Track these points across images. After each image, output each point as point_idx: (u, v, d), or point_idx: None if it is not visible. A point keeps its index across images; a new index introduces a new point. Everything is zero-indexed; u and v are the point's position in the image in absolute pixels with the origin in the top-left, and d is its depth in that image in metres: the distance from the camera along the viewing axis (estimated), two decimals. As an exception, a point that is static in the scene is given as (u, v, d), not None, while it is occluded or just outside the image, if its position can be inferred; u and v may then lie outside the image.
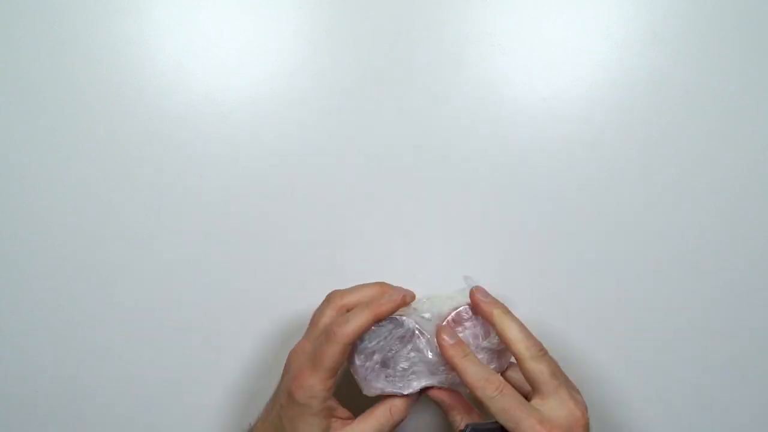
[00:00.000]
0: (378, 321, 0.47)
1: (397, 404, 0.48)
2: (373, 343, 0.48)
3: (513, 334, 0.47)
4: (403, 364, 0.48)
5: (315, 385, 0.46)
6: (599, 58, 0.57)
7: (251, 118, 0.57)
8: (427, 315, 0.49)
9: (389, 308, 0.47)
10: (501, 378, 0.46)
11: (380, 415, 0.48)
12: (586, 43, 0.57)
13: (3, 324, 0.58)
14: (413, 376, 0.49)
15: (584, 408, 0.46)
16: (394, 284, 0.51)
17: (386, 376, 0.49)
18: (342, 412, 0.48)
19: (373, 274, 0.58)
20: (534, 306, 0.59)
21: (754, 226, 0.58)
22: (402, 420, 0.48)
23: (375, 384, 0.49)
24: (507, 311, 0.49)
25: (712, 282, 0.58)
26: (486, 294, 0.49)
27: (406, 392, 0.49)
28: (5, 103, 0.57)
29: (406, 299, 0.48)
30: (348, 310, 0.48)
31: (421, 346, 0.49)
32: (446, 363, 0.48)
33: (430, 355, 0.49)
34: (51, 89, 0.57)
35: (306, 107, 0.57)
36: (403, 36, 0.57)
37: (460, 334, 0.49)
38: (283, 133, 0.58)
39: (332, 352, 0.46)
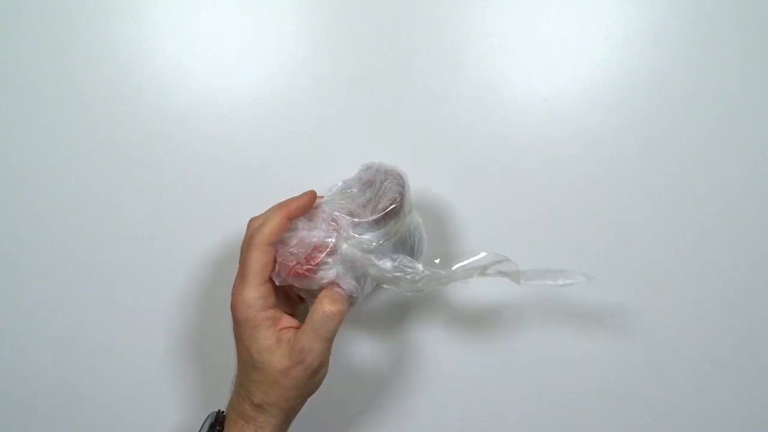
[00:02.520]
0: (291, 218, 0.47)
1: (321, 298, 0.46)
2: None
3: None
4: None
5: (247, 295, 0.45)
6: (599, 58, 0.57)
7: (251, 118, 0.58)
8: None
9: (299, 205, 0.47)
10: None
11: (312, 313, 0.46)
12: (586, 43, 0.57)
13: (3, 324, 0.58)
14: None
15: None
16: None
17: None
18: (289, 320, 0.47)
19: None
20: (528, 306, 0.59)
21: (754, 226, 0.58)
22: (331, 312, 0.46)
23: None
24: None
25: (712, 281, 0.58)
26: None
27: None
28: (5, 103, 0.57)
29: (312, 196, 0.48)
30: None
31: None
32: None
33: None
34: (51, 89, 0.57)
35: (306, 107, 0.58)
36: (403, 36, 0.57)
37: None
38: (283, 133, 0.58)
39: (253, 255, 0.45)
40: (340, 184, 0.51)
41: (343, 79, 0.57)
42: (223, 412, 0.50)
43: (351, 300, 0.47)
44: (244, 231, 0.58)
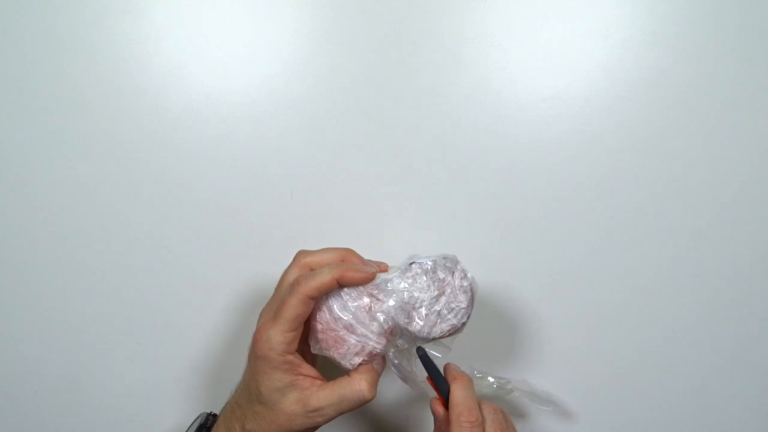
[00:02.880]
0: (341, 284, 0.46)
1: (360, 380, 0.46)
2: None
3: (456, 396, 0.47)
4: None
5: (274, 336, 0.45)
6: (599, 58, 0.57)
7: (251, 118, 0.57)
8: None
9: (356, 277, 0.46)
10: (492, 414, 0.47)
11: (345, 386, 0.46)
12: (586, 43, 0.57)
13: (3, 324, 0.58)
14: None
15: None
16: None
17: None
18: (308, 370, 0.47)
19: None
20: (532, 304, 0.59)
21: (754, 226, 0.58)
22: (365, 399, 0.46)
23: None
24: (465, 382, 0.48)
25: (711, 281, 0.58)
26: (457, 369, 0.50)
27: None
28: (5, 103, 0.57)
29: (369, 279, 0.47)
30: (312, 270, 0.48)
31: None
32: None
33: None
34: (51, 89, 0.57)
35: (306, 107, 0.57)
36: (403, 36, 0.57)
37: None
38: (283, 133, 0.58)
39: (293, 303, 0.45)
40: (411, 264, 0.49)
41: (343, 79, 0.57)
42: (212, 414, 0.50)
43: None
44: (245, 231, 0.58)
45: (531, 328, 0.59)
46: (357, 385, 0.46)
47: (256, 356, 0.46)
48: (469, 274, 0.48)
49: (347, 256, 0.49)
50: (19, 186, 0.57)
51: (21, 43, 0.56)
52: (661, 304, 0.59)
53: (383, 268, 0.49)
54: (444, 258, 0.49)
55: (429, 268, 0.48)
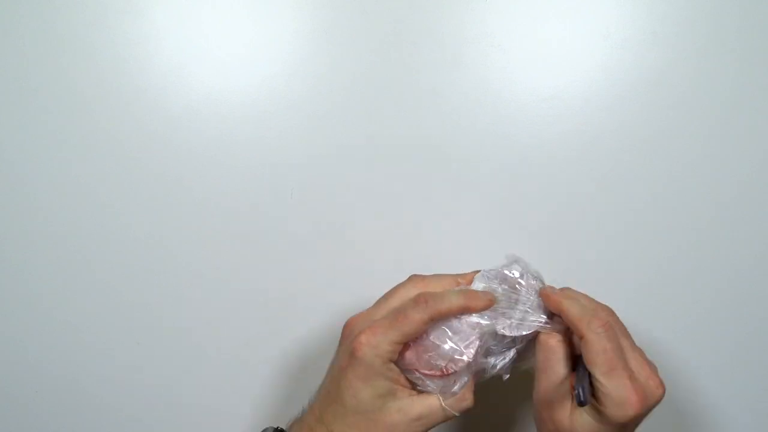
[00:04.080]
0: (466, 312, 0.45)
1: (467, 388, 0.45)
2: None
3: (572, 311, 0.44)
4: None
5: (382, 343, 0.43)
6: (599, 58, 0.57)
7: (251, 118, 0.57)
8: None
9: (482, 305, 0.45)
10: (610, 316, 0.44)
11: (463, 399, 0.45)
12: (586, 43, 0.57)
13: (3, 324, 0.58)
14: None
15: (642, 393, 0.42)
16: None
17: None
18: (405, 381, 0.45)
19: (373, 273, 0.58)
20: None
21: (754, 226, 0.58)
22: (468, 407, 0.45)
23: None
24: (567, 294, 0.46)
25: (711, 281, 0.58)
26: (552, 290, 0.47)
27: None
28: (5, 103, 0.57)
29: (491, 305, 0.46)
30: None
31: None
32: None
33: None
34: (51, 89, 0.57)
35: (306, 107, 0.57)
36: (403, 36, 0.57)
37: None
38: (283, 133, 0.58)
39: (416, 318, 0.43)
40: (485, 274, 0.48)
41: (343, 79, 0.57)
42: (279, 430, 0.48)
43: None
44: (245, 231, 0.58)
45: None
46: (460, 401, 0.45)
47: (356, 362, 0.43)
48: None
49: (467, 289, 0.47)
50: (19, 186, 0.57)
51: (21, 43, 0.56)
52: (661, 304, 0.59)
53: (469, 278, 0.48)
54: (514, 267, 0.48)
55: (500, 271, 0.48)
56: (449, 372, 0.45)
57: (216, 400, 0.59)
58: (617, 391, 0.41)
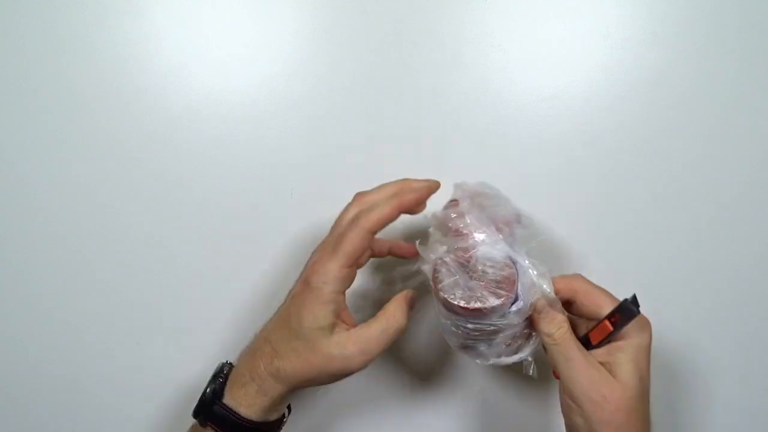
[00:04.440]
0: (402, 211, 0.46)
1: (394, 309, 0.46)
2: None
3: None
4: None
5: (331, 269, 0.44)
6: (599, 58, 0.57)
7: (251, 118, 0.57)
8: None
9: (414, 198, 0.46)
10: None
11: (381, 320, 0.46)
12: (586, 43, 0.57)
13: (3, 324, 0.58)
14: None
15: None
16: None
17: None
18: (348, 317, 0.46)
19: (372, 274, 0.58)
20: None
21: (754, 226, 0.58)
22: (402, 326, 0.46)
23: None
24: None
25: (711, 281, 0.58)
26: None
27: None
28: (5, 103, 0.57)
29: (432, 187, 0.46)
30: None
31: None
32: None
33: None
34: (51, 89, 0.57)
35: (306, 107, 0.58)
36: (403, 36, 0.57)
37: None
38: (283, 133, 0.58)
39: (353, 236, 0.44)
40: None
41: (343, 79, 0.57)
42: (229, 363, 0.49)
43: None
44: (245, 231, 0.58)
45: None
46: (390, 315, 0.45)
47: (307, 287, 0.45)
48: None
49: (403, 184, 0.47)
50: (19, 186, 0.57)
51: (21, 43, 0.56)
52: (661, 304, 0.59)
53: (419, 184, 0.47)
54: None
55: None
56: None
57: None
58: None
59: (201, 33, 0.57)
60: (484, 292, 0.45)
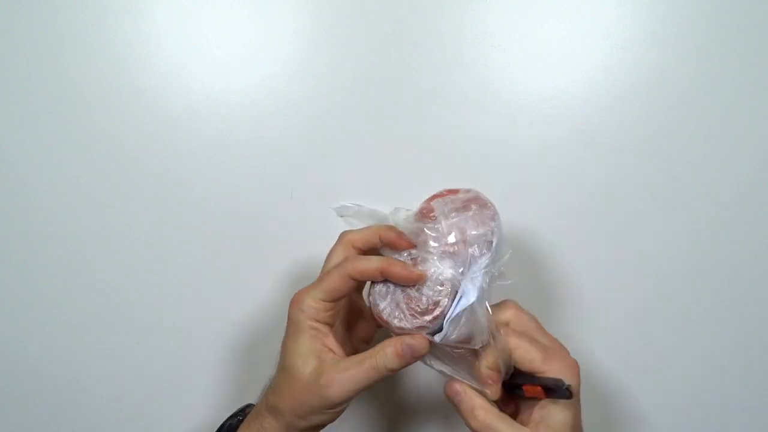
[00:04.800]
0: (384, 276, 0.45)
1: (386, 348, 0.45)
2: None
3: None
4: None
5: (306, 300, 0.45)
6: (599, 58, 0.57)
7: (251, 118, 0.57)
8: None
9: (400, 275, 0.45)
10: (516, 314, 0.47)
11: (368, 354, 0.45)
12: (586, 43, 0.57)
13: (3, 324, 0.58)
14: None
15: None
16: None
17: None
18: (333, 344, 0.46)
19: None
20: (534, 306, 0.59)
21: (754, 226, 0.58)
22: (390, 366, 0.44)
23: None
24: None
25: (711, 281, 0.58)
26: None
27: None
28: (5, 103, 0.57)
29: (415, 278, 0.46)
30: (354, 247, 0.48)
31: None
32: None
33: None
34: (51, 89, 0.57)
35: (306, 107, 0.58)
36: (403, 36, 0.57)
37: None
38: (283, 133, 0.58)
39: (333, 275, 0.45)
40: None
41: (343, 79, 0.57)
42: (253, 404, 0.51)
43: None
44: (245, 231, 0.58)
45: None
46: (379, 351, 0.44)
47: (289, 321, 0.46)
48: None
49: (385, 233, 0.47)
50: (19, 186, 0.57)
51: (21, 43, 0.56)
52: (661, 304, 0.59)
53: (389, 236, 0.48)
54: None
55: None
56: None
57: (216, 400, 0.59)
58: (560, 367, 0.45)
59: (201, 33, 0.57)
60: (406, 313, 0.45)
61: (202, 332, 0.59)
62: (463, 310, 0.44)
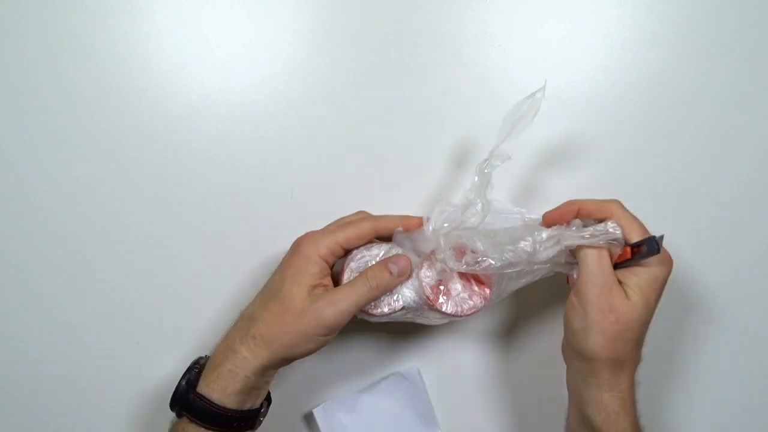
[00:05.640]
0: (406, 228, 0.50)
1: (374, 270, 0.48)
2: None
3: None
4: None
5: (323, 239, 0.47)
6: (599, 58, 0.57)
7: (251, 118, 0.57)
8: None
9: (418, 223, 0.50)
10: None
11: (358, 279, 0.47)
12: (586, 43, 0.57)
13: (3, 324, 0.58)
14: None
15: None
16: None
17: None
18: (330, 284, 0.48)
19: (373, 274, 0.58)
20: (536, 307, 0.59)
21: (754, 226, 0.58)
22: (380, 284, 0.47)
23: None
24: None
25: (711, 281, 0.58)
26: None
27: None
28: (5, 103, 0.57)
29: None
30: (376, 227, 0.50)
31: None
32: None
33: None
34: (51, 89, 0.57)
35: (306, 107, 0.57)
36: (403, 36, 0.57)
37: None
38: (283, 133, 0.58)
39: (356, 228, 0.48)
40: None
41: (343, 79, 0.57)
42: (206, 356, 0.49)
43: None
44: (245, 231, 0.58)
45: (526, 333, 0.59)
46: (369, 274, 0.47)
47: (296, 252, 0.48)
48: None
49: (408, 221, 0.51)
50: (19, 186, 0.57)
51: (21, 43, 0.56)
52: (661, 304, 0.58)
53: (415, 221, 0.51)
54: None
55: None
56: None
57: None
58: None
59: (201, 33, 0.57)
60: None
61: (202, 332, 0.59)
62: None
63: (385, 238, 0.51)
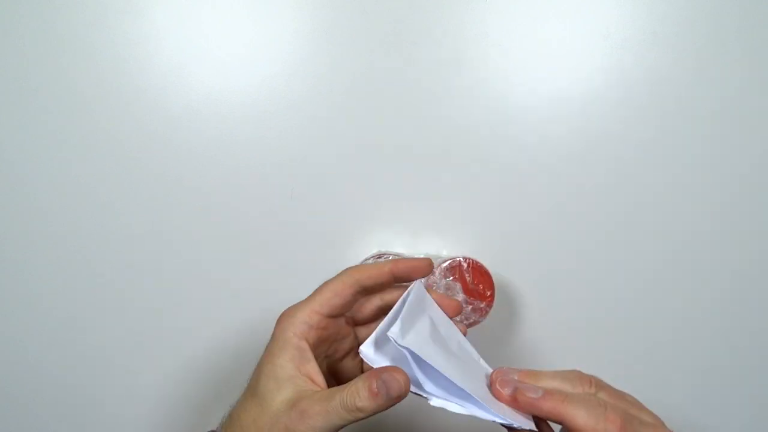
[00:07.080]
0: (396, 277, 0.42)
1: (358, 385, 0.38)
2: None
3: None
4: None
5: (297, 314, 0.41)
6: (599, 58, 0.57)
7: (251, 118, 0.58)
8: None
9: (412, 265, 0.43)
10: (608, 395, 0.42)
11: (343, 391, 0.38)
12: (586, 44, 0.57)
13: (3, 324, 0.58)
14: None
15: None
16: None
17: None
18: (315, 373, 0.40)
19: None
20: (533, 305, 0.59)
21: (754, 226, 0.58)
22: (363, 408, 0.38)
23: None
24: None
25: (712, 281, 0.58)
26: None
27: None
28: (5, 103, 0.57)
29: (422, 267, 0.43)
30: (361, 286, 0.43)
31: None
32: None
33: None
34: (51, 89, 0.57)
35: (306, 107, 0.58)
36: (403, 36, 0.57)
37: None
38: (283, 133, 0.58)
39: (332, 286, 0.42)
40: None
41: (343, 79, 0.57)
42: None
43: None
44: (245, 231, 0.58)
45: (529, 325, 0.59)
46: (353, 390, 0.38)
47: (272, 339, 0.41)
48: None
49: (397, 265, 0.44)
50: (19, 186, 0.57)
51: (21, 43, 0.56)
52: (661, 304, 0.59)
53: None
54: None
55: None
56: None
57: (216, 401, 0.59)
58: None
59: (201, 33, 0.57)
60: None
61: (203, 332, 0.59)
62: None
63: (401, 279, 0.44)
